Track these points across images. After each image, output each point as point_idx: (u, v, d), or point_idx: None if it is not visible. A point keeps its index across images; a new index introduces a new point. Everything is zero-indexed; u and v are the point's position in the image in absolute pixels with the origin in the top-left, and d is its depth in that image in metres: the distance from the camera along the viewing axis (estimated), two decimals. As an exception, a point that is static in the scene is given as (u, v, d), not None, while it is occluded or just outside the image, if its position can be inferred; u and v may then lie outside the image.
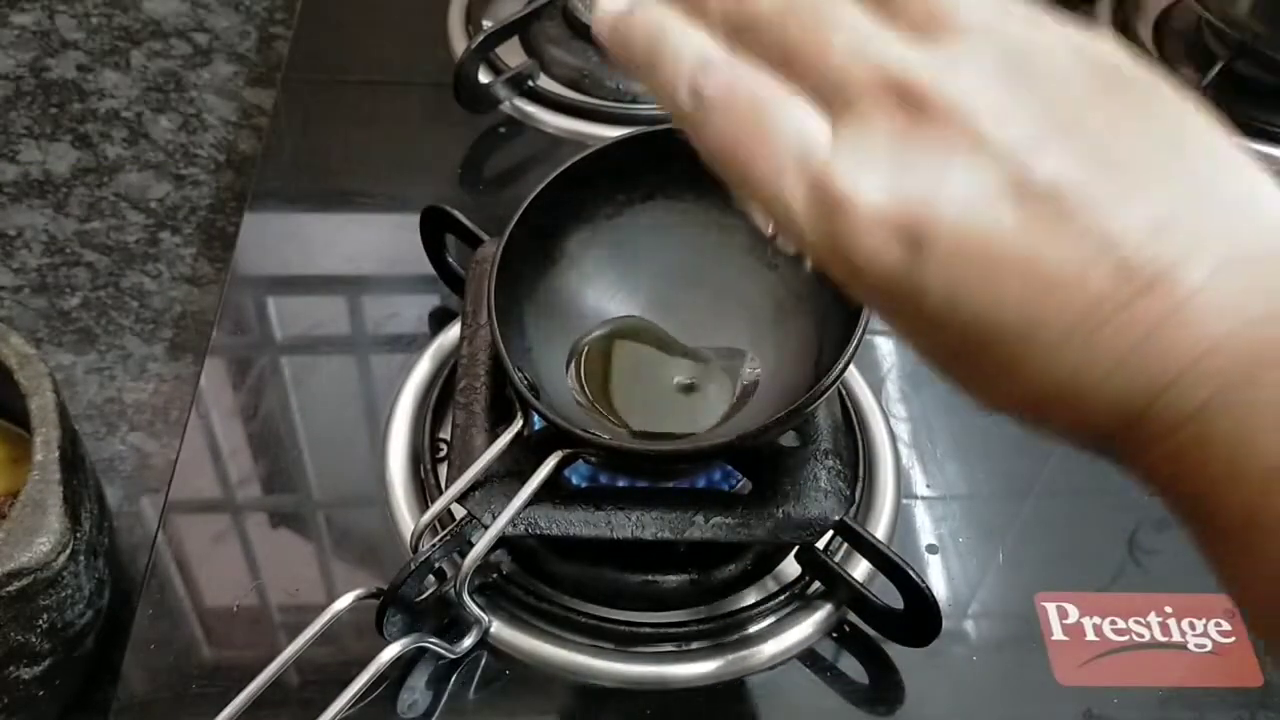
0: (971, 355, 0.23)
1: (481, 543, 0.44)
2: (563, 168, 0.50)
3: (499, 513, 0.44)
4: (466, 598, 0.46)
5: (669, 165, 0.52)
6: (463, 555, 0.49)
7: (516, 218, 0.49)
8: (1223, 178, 0.23)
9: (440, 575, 0.48)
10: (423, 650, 0.46)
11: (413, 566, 0.44)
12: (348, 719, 0.42)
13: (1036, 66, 0.22)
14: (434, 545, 0.46)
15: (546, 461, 0.45)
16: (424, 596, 0.47)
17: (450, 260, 0.61)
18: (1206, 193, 0.22)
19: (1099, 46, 0.23)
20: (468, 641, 0.48)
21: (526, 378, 0.47)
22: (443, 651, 0.46)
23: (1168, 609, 0.51)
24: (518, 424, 0.47)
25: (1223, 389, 0.21)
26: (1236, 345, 0.21)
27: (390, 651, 0.43)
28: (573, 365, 0.52)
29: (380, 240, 0.69)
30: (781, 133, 0.23)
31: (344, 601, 0.43)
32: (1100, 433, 0.23)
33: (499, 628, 0.49)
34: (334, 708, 0.41)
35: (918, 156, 0.22)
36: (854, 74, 0.23)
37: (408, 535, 0.51)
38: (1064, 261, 0.21)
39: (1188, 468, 0.22)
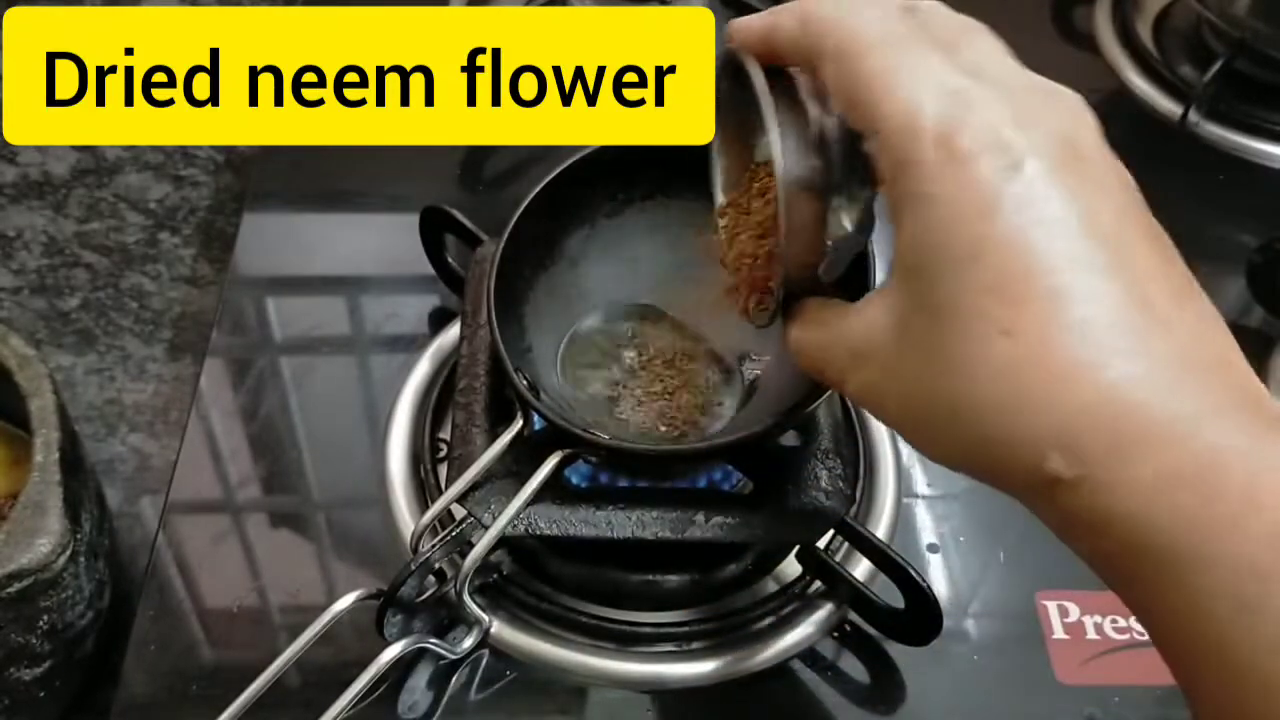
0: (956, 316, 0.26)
1: (482, 543, 0.44)
2: (562, 167, 0.50)
3: (499, 513, 0.44)
4: (467, 598, 0.46)
5: (669, 164, 0.52)
6: (463, 556, 0.49)
7: (516, 217, 0.49)
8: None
9: (440, 576, 0.48)
10: (423, 651, 0.46)
11: (412, 567, 0.44)
12: (349, 719, 0.42)
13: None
14: (434, 546, 0.46)
15: (546, 462, 0.44)
16: (424, 597, 0.47)
17: (450, 260, 0.61)
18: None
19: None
20: (468, 642, 0.48)
21: (526, 378, 0.47)
22: (443, 652, 0.46)
23: (1168, 607, 0.51)
24: (517, 424, 0.47)
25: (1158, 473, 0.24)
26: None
27: (390, 652, 0.43)
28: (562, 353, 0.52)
29: (380, 240, 0.69)
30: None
31: (344, 603, 0.43)
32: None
33: (499, 628, 0.49)
34: (334, 709, 0.41)
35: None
36: None
37: (408, 536, 0.51)
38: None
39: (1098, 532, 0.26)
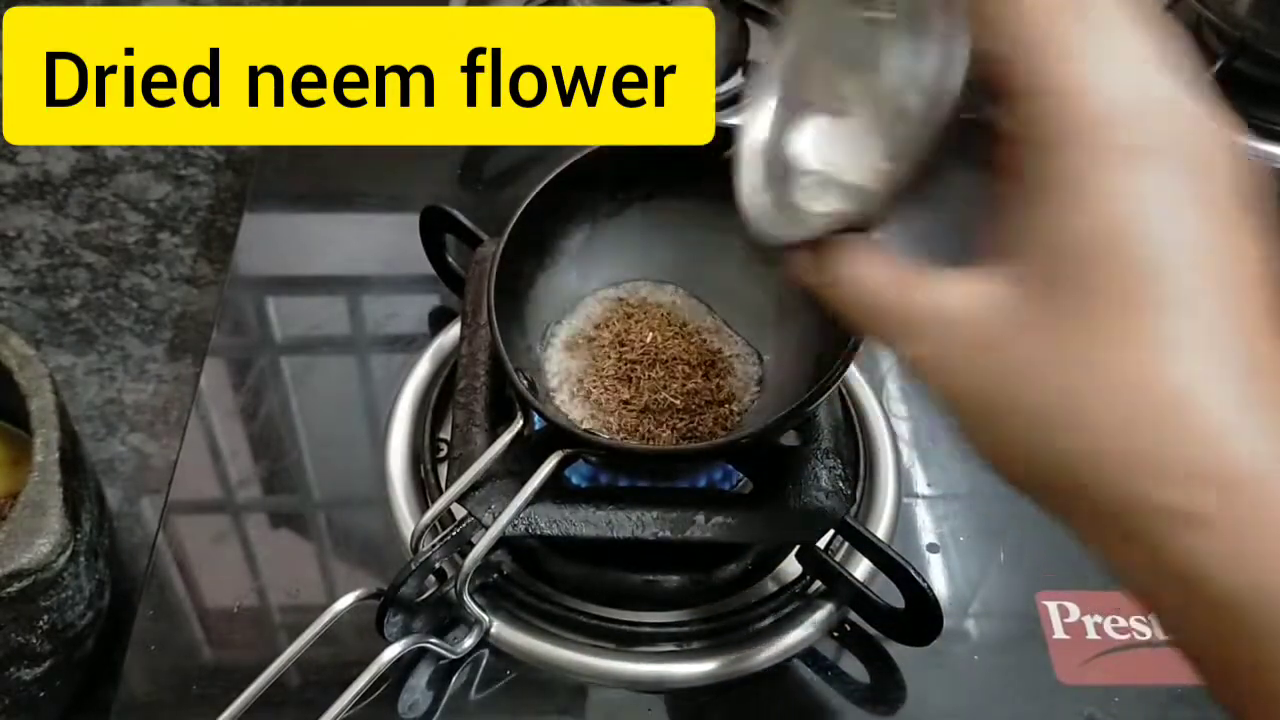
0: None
1: (482, 543, 0.44)
2: (563, 166, 0.50)
3: (499, 513, 0.44)
4: (467, 598, 0.46)
5: (669, 165, 0.52)
6: (463, 555, 0.49)
7: (516, 217, 0.49)
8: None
9: (441, 576, 0.48)
10: (423, 651, 0.46)
11: (413, 567, 0.44)
12: (349, 719, 0.42)
13: None
14: (434, 546, 0.46)
15: (547, 461, 0.44)
16: (424, 597, 0.47)
17: (450, 260, 0.61)
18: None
19: None
20: (468, 642, 0.48)
21: (526, 377, 0.47)
22: (443, 652, 0.46)
23: (1169, 607, 0.51)
24: (518, 424, 0.47)
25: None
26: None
27: (391, 652, 0.43)
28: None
29: (380, 240, 0.69)
30: None
31: (344, 602, 0.43)
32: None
33: (500, 628, 0.49)
34: (335, 708, 0.41)
35: None
36: None
37: (408, 535, 0.51)
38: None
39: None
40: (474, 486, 0.46)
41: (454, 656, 0.47)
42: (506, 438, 0.46)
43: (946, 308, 0.27)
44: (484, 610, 0.48)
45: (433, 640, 0.46)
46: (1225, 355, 0.23)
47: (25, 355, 0.50)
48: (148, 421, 0.66)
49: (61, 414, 0.48)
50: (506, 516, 0.44)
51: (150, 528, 0.58)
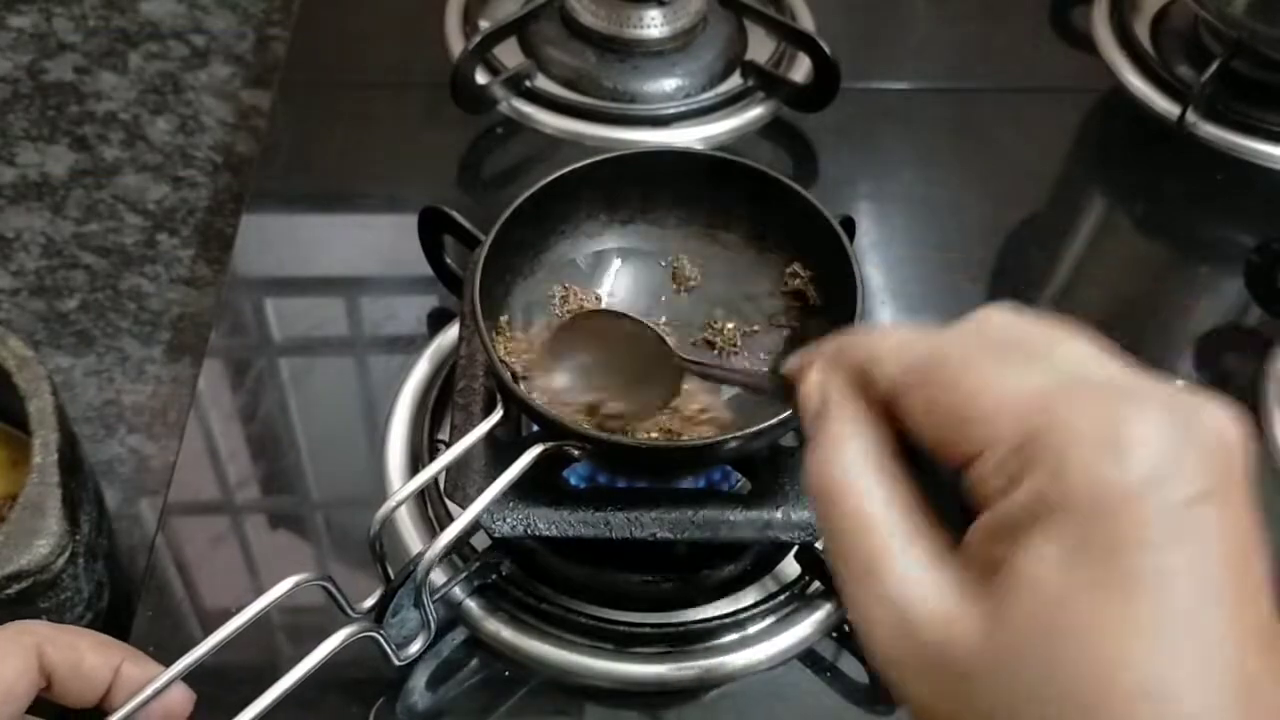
0: None
1: (450, 531, 0.42)
2: (546, 180, 0.50)
3: (473, 498, 0.43)
4: (425, 597, 0.44)
5: (652, 191, 0.53)
6: (463, 558, 0.49)
7: (500, 223, 0.49)
8: None
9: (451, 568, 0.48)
10: (422, 650, 0.45)
11: (412, 568, 0.44)
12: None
13: None
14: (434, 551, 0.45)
15: (528, 451, 0.44)
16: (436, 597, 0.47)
17: (448, 261, 0.61)
18: None
19: None
20: (413, 648, 0.45)
21: (511, 369, 0.47)
22: (389, 652, 0.44)
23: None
24: (498, 413, 0.46)
25: None
26: None
27: (337, 637, 0.41)
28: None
29: (378, 241, 0.69)
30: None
31: (283, 587, 0.40)
32: None
33: (499, 628, 0.49)
34: (276, 688, 0.39)
35: None
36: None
37: (407, 536, 0.52)
38: None
39: None
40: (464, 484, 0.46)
41: (398, 662, 0.44)
42: (485, 426, 0.45)
43: (924, 638, 0.24)
44: (434, 617, 0.45)
45: (379, 633, 0.43)
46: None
47: (24, 357, 0.50)
48: (146, 423, 0.66)
49: (60, 415, 0.48)
50: (481, 503, 0.42)
51: (149, 529, 0.58)
